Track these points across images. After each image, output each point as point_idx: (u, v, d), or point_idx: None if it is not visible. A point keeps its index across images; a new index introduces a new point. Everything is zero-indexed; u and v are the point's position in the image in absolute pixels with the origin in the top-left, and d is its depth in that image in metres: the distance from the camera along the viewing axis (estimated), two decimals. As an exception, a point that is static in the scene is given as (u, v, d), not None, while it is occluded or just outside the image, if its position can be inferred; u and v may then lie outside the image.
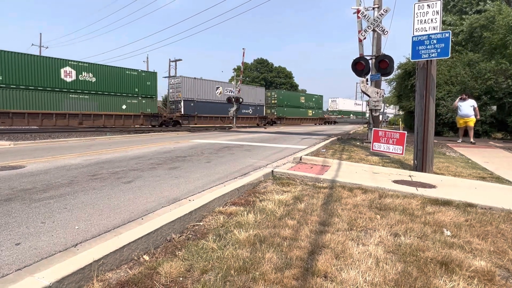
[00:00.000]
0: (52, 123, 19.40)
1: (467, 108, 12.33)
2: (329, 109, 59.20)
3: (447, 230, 2.97)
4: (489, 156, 8.87)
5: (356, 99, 73.52)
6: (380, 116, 12.32)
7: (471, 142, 12.23)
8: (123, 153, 8.85)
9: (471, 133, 12.51)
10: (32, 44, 61.08)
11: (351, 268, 2.21)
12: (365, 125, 34.22)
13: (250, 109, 37.12)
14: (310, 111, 47.69)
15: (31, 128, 19.42)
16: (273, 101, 40.33)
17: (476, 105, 12.39)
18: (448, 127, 17.89)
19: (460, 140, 12.82)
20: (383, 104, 14.31)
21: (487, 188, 4.77)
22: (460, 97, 13.01)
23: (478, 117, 12.49)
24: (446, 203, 3.86)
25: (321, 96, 51.00)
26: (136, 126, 23.64)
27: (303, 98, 46.55)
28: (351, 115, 63.26)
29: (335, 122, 53.71)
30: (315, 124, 47.58)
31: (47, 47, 58.76)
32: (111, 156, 8.18)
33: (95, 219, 3.34)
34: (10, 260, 2.39)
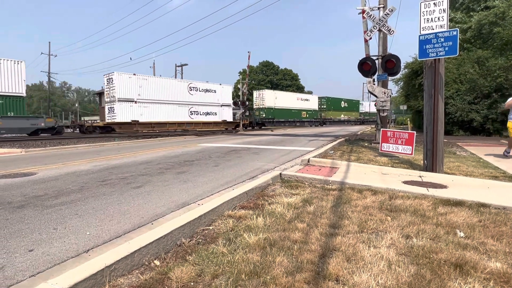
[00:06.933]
0: None
1: None
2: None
3: (460, 231, 2.92)
4: (501, 155, 8.69)
5: (363, 99, 71.75)
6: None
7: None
8: (131, 158, 8.94)
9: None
10: (42, 53, 62.17)
11: (363, 271, 2.19)
12: (373, 126, 33.65)
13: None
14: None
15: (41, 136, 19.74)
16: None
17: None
18: (458, 125, 17.66)
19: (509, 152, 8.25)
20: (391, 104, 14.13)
21: (500, 187, 4.68)
22: None
23: None
24: (458, 203, 3.79)
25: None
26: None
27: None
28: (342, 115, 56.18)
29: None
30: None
31: (56, 55, 59.81)
32: (120, 161, 8.26)
33: (105, 225, 3.37)
34: (24, 267, 2.43)
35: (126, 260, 2.29)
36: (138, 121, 23.88)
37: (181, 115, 27.20)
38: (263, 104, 39.12)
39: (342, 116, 56.62)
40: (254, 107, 40.32)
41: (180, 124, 27.12)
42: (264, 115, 38.65)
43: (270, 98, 39.54)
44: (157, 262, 2.45)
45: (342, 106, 56.75)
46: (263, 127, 37.01)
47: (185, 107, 27.57)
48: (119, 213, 3.79)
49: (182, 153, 10.28)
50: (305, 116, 45.95)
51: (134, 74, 23.79)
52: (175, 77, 45.60)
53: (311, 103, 48.18)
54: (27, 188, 5.11)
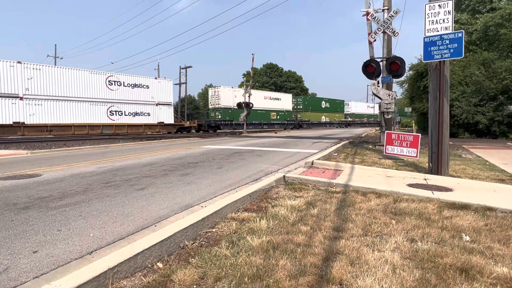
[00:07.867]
0: None
1: None
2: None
3: (466, 235, 2.88)
4: (508, 157, 8.61)
5: (367, 101, 69.26)
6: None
7: None
8: (136, 160, 8.97)
9: None
10: (48, 55, 62.85)
11: (367, 275, 2.16)
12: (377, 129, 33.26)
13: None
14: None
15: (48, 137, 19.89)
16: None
17: None
18: (463, 128, 17.52)
19: None
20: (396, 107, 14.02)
21: (506, 190, 4.62)
22: None
23: None
24: (464, 207, 3.75)
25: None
26: None
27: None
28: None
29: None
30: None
31: (62, 58, 60.50)
32: (124, 163, 8.29)
33: (109, 227, 3.38)
34: (28, 268, 2.44)
35: (129, 262, 2.29)
36: (24, 123, 18.44)
37: (96, 116, 21.73)
38: (218, 104, 32.42)
39: (323, 118, 49.66)
40: (210, 107, 34.59)
41: (94, 126, 21.58)
42: (220, 117, 32.23)
43: (227, 97, 32.63)
44: (160, 265, 2.45)
45: (323, 106, 49.93)
46: (218, 131, 30.86)
47: (103, 105, 21.99)
48: (123, 215, 3.80)
49: (185, 155, 10.30)
50: (274, 117, 39.44)
51: (19, 62, 18.57)
52: (179, 80, 45.22)
53: (284, 102, 41.46)
54: (32, 189, 5.15)
